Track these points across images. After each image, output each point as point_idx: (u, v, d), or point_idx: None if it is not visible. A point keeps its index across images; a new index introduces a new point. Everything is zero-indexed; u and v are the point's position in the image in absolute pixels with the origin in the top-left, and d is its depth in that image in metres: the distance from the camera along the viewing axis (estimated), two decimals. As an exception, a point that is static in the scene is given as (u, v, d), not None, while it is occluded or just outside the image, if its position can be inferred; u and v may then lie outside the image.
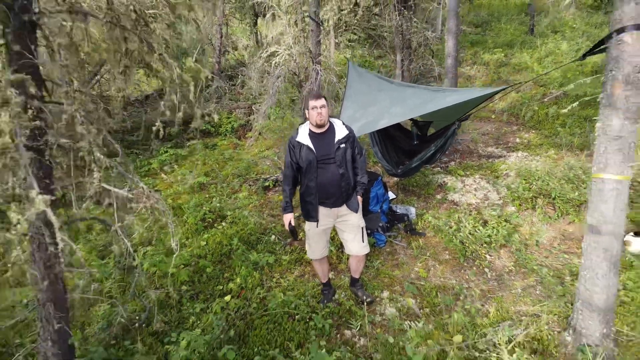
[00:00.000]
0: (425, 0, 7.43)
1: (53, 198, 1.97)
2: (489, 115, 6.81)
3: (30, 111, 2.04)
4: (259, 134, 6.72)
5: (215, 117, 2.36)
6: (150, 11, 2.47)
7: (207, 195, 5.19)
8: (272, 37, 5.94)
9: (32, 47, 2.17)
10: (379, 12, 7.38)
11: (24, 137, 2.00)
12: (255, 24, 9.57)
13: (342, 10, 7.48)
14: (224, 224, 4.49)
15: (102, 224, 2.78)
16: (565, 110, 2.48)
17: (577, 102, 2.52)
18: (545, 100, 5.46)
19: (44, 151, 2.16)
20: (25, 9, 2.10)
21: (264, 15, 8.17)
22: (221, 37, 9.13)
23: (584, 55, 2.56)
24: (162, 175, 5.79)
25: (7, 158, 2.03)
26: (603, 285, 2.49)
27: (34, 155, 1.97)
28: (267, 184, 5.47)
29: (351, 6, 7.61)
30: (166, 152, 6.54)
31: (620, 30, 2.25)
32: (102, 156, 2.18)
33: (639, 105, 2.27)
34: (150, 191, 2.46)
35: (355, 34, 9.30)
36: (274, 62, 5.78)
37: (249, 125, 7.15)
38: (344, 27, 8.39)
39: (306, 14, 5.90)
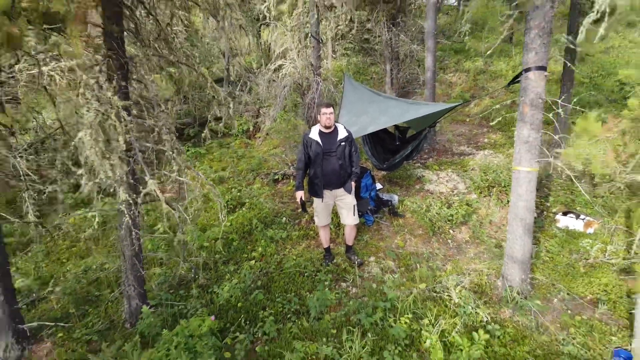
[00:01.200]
0: (412, 18, 8.48)
1: (159, 182, 3.01)
2: (464, 118, 7.91)
3: (131, 125, 3.08)
4: (267, 134, 7.76)
5: (251, 126, 3.41)
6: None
7: (227, 186, 6.25)
8: (279, 53, 6.96)
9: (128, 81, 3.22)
10: (371, 28, 8.43)
11: (124, 144, 3.04)
12: (260, 34, 10.57)
13: (338, 26, 8.53)
14: (243, 209, 5.55)
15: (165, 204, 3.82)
16: (493, 123, 3.52)
17: (500, 118, 3.60)
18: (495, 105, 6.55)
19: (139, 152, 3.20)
20: (131, 58, 3.14)
21: (268, 25, 9.13)
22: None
23: (509, 84, 3.64)
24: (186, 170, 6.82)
25: (116, 157, 3.07)
26: (520, 244, 3.58)
27: (133, 156, 3.01)
28: (276, 177, 6.53)
29: (347, 22, 8.66)
30: (187, 150, 7.58)
31: (528, 69, 3.33)
32: (177, 155, 3.23)
33: (540, 120, 3.36)
34: (206, 179, 3.52)
35: (350, 43, 10.35)
36: (280, 74, 6.82)
37: (257, 126, 8.18)
38: (340, 38, 9.45)
39: (308, 31, 6.93)
